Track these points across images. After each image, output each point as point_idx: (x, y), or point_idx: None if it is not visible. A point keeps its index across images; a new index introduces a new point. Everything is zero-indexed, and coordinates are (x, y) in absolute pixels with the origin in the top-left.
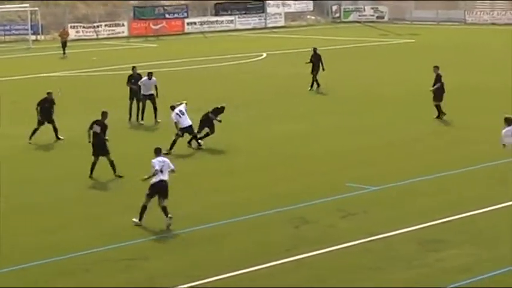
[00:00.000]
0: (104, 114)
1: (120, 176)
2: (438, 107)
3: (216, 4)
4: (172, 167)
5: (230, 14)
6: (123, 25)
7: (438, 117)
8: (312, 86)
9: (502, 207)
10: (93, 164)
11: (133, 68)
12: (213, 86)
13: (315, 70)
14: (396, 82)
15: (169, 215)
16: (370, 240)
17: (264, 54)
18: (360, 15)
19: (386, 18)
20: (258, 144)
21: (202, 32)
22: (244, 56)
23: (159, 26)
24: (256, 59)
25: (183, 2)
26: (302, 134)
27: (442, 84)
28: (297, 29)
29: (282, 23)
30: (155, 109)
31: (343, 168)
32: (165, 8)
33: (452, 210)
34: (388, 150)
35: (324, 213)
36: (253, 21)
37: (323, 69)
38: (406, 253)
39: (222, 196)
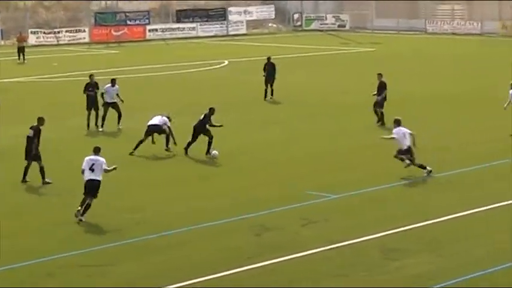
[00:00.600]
0: (40, 120)
1: (49, 183)
2: (382, 114)
3: (177, 11)
4: (105, 167)
5: (192, 21)
6: (84, 31)
7: (379, 122)
8: (266, 96)
9: (461, 215)
10: (26, 169)
11: (91, 76)
12: (175, 93)
13: (269, 79)
14: (356, 90)
15: (84, 216)
16: (331, 248)
17: (226, 62)
18: (321, 24)
19: (347, 27)
20: (221, 151)
21: (163, 39)
22: (205, 64)
23: (121, 32)
24: (217, 66)
25: (144, 8)
26: (262, 142)
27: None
28: (258, 36)
29: (243, 31)
30: (119, 115)
31: (303, 176)
32: (127, 14)
33: (413, 218)
34: (348, 158)
35: (286, 221)
36: (215, 28)
37: (274, 78)
38: (367, 260)
39: (186, 203)
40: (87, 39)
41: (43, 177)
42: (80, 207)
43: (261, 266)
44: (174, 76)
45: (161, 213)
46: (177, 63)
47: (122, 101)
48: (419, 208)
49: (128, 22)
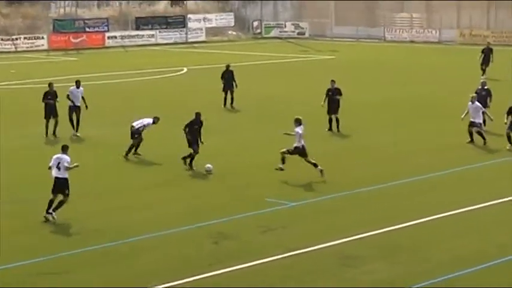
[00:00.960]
0: None
1: None
2: (337, 120)
3: (137, 18)
4: (66, 164)
5: (151, 29)
6: (42, 38)
7: (330, 129)
8: (225, 103)
9: (419, 222)
10: None
11: (50, 84)
12: (134, 100)
13: (228, 87)
14: (314, 98)
15: (54, 214)
16: (289, 256)
17: (185, 69)
18: (280, 32)
19: (307, 35)
20: (178, 158)
21: (123, 46)
22: (165, 71)
23: (80, 39)
24: (176, 73)
25: (103, 15)
26: (222, 149)
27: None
28: (217, 44)
29: (203, 38)
30: (78, 122)
31: (262, 184)
32: (86, 21)
33: (371, 225)
34: (305, 166)
35: (244, 228)
36: (174, 35)
37: (235, 85)
38: (325, 268)
39: (145, 210)
40: (45, 47)
41: None
42: (46, 213)
43: (218, 274)
44: (133, 83)
45: (120, 221)
46: (136, 70)
47: (86, 106)
48: (377, 215)
49: (87, 29)
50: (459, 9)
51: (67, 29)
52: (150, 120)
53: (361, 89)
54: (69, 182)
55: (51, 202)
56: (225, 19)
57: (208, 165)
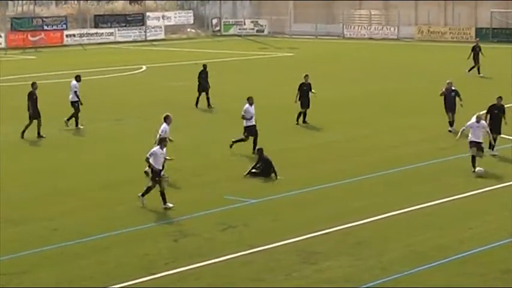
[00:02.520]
0: None
1: None
2: (304, 114)
3: (95, 16)
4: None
5: (110, 27)
6: (0, 36)
7: (304, 121)
8: (197, 103)
9: (380, 218)
10: None
11: (33, 84)
12: (92, 99)
13: (203, 87)
14: (273, 94)
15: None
16: (251, 252)
17: (144, 67)
18: (240, 29)
19: (266, 32)
20: (139, 156)
21: (81, 44)
22: (123, 69)
23: (38, 37)
24: (135, 71)
25: (62, 13)
26: (182, 146)
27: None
28: (177, 42)
29: (162, 36)
30: (72, 116)
31: (221, 181)
32: (44, 19)
33: (332, 221)
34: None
35: (204, 226)
36: (133, 33)
37: (208, 86)
38: (285, 264)
39: (102, 209)
40: (3, 45)
41: None
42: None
43: (178, 272)
44: (92, 82)
45: (78, 220)
46: (94, 68)
47: (81, 103)
48: (338, 211)
49: (45, 27)
50: (417, 6)
51: (25, 27)
52: (164, 125)
53: (320, 86)
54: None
55: (149, 189)
56: (184, 17)
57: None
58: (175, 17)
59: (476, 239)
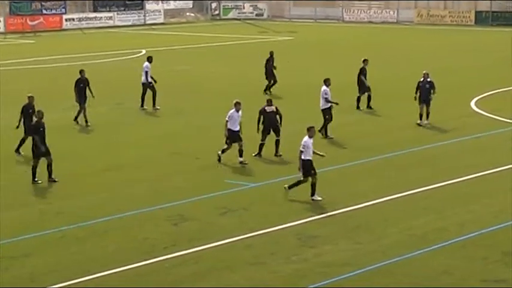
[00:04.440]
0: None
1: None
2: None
3: (94, 0)
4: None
5: (109, 11)
6: None
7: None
8: (267, 88)
9: (378, 202)
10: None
11: (81, 71)
12: (93, 83)
13: (271, 74)
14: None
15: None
16: (250, 236)
17: (143, 51)
18: (239, 13)
19: (265, 16)
20: (141, 140)
21: (80, 29)
22: (123, 53)
23: (37, 22)
24: (135, 55)
25: None
26: (182, 131)
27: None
28: (176, 26)
29: (161, 20)
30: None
31: (221, 165)
32: (43, 3)
33: (331, 205)
34: (266, 147)
35: (204, 210)
36: (132, 17)
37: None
38: (285, 248)
39: (102, 192)
40: (2, 29)
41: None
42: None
43: (179, 256)
44: (91, 66)
45: (78, 204)
46: (93, 52)
47: (155, 81)
48: (337, 195)
49: (44, 11)
50: None
51: (24, 11)
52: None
53: (320, 70)
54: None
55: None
56: (183, 1)
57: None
58: (174, 1)
59: (476, 222)
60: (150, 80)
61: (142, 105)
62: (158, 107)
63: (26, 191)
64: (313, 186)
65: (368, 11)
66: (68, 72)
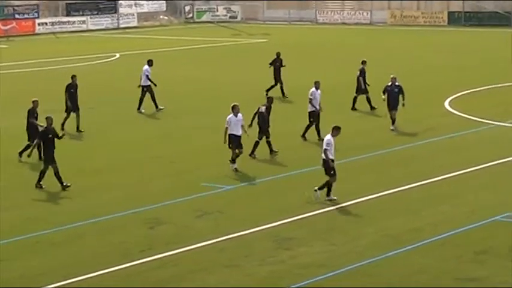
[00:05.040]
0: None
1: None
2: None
3: (67, 4)
4: None
5: (82, 15)
6: None
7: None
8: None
9: (352, 203)
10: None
11: (73, 76)
12: (63, 88)
13: (278, 75)
14: (246, 82)
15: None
16: (226, 239)
17: (117, 55)
18: (212, 16)
19: (239, 18)
20: (114, 145)
21: (53, 33)
22: (97, 57)
23: (9, 26)
24: (109, 59)
25: (33, 2)
26: (158, 135)
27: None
28: (149, 29)
29: (134, 23)
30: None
31: (197, 168)
32: (15, 8)
33: (306, 207)
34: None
35: (180, 213)
36: (105, 21)
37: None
38: (260, 251)
39: (77, 197)
40: None
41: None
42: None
43: (154, 259)
44: (65, 70)
45: (54, 209)
46: (67, 57)
47: (155, 84)
48: (312, 197)
49: (17, 16)
50: None
51: None
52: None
53: (294, 72)
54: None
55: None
56: (156, 4)
57: None
58: (147, 4)
59: (449, 222)
60: (149, 83)
61: (139, 108)
62: (162, 107)
63: (1, 196)
64: (330, 185)
65: (341, 13)
66: (41, 76)
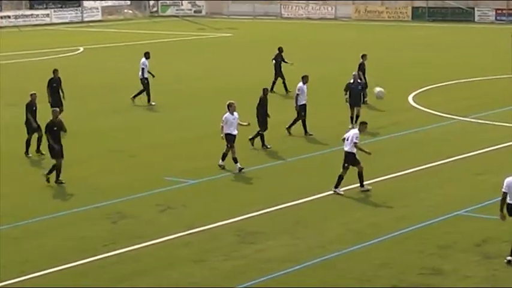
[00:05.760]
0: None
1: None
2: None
3: None
4: None
5: (46, 8)
6: None
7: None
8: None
9: (316, 198)
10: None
11: (55, 71)
12: (28, 81)
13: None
14: (212, 76)
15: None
16: (190, 233)
17: (81, 49)
18: (177, 10)
19: (203, 13)
20: (78, 138)
21: (17, 26)
22: (60, 51)
23: None
24: (72, 53)
25: None
26: (121, 128)
27: None
28: (114, 23)
29: (99, 17)
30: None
31: (161, 163)
32: None
33: (270, 201)
34: (204, 144)
35: (143, 207)
36: (69, 15)
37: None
38: (225, 245)
39: (38, 191)
40: None
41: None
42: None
43: (117, 254)
44: (28, 64)
45: (14, 204)
46: (31, 50)
47: (153, 75)
48: (276, 191)
49: None
50: None
51: None
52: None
53: (259, 67)
54: None
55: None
56: None
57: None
58: None
59: (413, 216)
60: (146, 76)
61: (149, 101)
62: (153, 103)
63: None
64: (360, 175)
65: (306, 7)
66: (3, 70)
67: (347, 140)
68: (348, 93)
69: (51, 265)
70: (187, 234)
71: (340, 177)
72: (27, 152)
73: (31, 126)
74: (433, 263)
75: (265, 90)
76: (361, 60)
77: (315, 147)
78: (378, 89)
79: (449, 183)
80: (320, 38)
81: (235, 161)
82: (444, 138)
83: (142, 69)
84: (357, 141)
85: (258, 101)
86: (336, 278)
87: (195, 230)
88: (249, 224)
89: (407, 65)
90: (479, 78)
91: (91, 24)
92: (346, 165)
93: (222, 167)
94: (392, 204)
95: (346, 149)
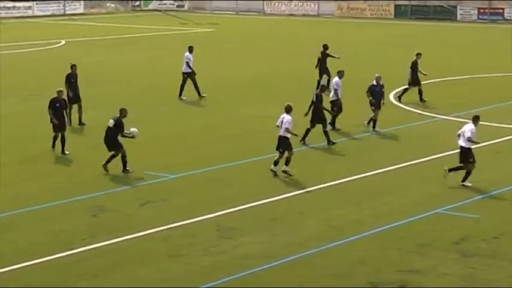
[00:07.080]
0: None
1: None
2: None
3: None
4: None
5: (28, 0)
6: None
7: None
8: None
9: (296, 194)
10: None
11: (73, 66)
12: (9, 74)
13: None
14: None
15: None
16: (169, 228)
17: (63, 42)
18: (160, 4)
19: (186, 7)
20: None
21: None
22: (42, 43)
23: None
24: (54, 46)
25: None
26: (101, 123)
27: None
28: (96, 16)
29: (81, 10)
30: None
31: (140, 157)
32: None
33: (249, 197)
34: (184, 139)
35: (123, 201)
36: (51, 8)
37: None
38: (203, 240)
39: (18, 185)
40: None
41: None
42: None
43: (96, 247)
44: (10, 56)
45: None
46: (12, 43)
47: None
48: (255, 188)
49: None
50: None
51: None
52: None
53: (238, 62)
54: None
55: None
56: None
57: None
58: None
59: (392, 214)
60: (191, 69)
61: (180, 95)
62: (205, 95)
63: None
64: (468, 173)
65: (289, 4)
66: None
67: (462, 135)
68: (370, 95)
69: (26, 259)
70: (166, 229)
71: (468, 173)
72: (53, 146)
73: (53, 123)
74: (410, 261)
75: (323, 87)
76: (415, 58)
77: (293, 144)
78: (132, 129)
79: (429, 181)
80: (302, 35)
81: (275, 163)
82: (425, 136)
83: (187, 62)
84: (470, 136)
85: (314, 97)
86: (313, 275)
87: (174, 224)
88: (227, 220)
89: (389, 62)
90: (461, 77)
91: (73, 17)
92: (472, 159)
93: (287, 172)
94: (372, 202)
95: (462, 144)
